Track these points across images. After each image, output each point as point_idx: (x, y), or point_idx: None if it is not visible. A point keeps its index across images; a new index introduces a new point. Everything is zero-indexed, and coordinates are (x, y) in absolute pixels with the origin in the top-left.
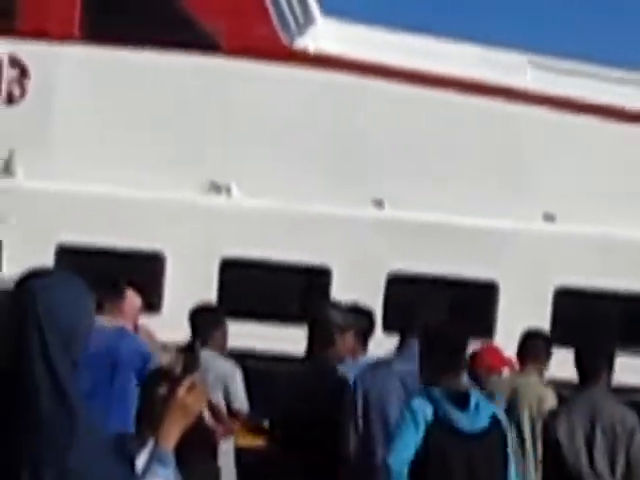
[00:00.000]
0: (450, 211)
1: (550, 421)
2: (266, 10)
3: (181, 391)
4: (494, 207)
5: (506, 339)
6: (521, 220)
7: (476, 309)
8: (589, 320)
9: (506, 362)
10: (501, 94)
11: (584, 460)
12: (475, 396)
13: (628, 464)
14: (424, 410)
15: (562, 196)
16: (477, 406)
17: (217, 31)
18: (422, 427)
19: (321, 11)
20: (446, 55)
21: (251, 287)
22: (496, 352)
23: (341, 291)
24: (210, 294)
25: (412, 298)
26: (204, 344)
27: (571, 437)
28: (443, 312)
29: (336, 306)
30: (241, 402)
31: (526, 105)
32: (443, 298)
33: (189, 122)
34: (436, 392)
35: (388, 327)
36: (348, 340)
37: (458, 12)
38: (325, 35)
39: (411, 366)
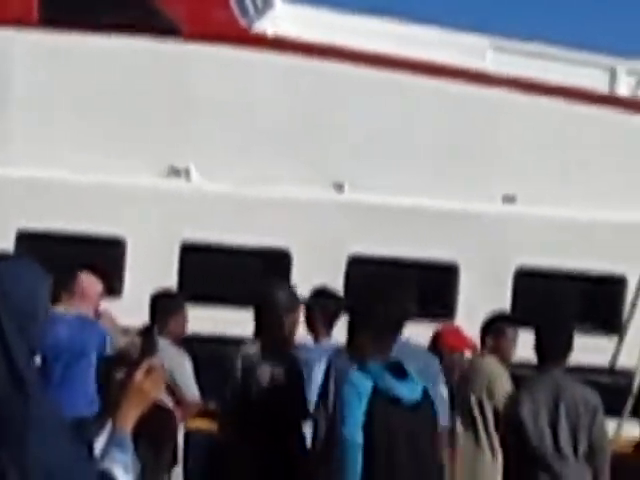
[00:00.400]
0: (410, 193)
1: (512, 402)
2: None
3: (138, 375)
4: (454, 189)
5: (467, 320)
6: (481, 201)
7: (436, 290)
8: (549, 301)
9: (467, 343)
10: (459, 76)
11: (548, 441)
12: (407, 365)
13: (590, 444)
14: (364, 383)
15: (522, 177)
16: (412, 375)
17: (176, 15)
18: (364, 400)
19: None
20: (406, 38)
21: (211, 271)
22: (457, 333)
23: (301, 274)
24: (170, 278)
25: (373, 281)
26: (161, 331)
27: (535, 417)
28: (404, 293)
29: (282, 287)
30: (191, 391)
31: (485, 87)
32: (404, 280)
33: (148, 106)
34: (373, 365)
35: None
36: (295, 321)
37: None
38: (284, 19)
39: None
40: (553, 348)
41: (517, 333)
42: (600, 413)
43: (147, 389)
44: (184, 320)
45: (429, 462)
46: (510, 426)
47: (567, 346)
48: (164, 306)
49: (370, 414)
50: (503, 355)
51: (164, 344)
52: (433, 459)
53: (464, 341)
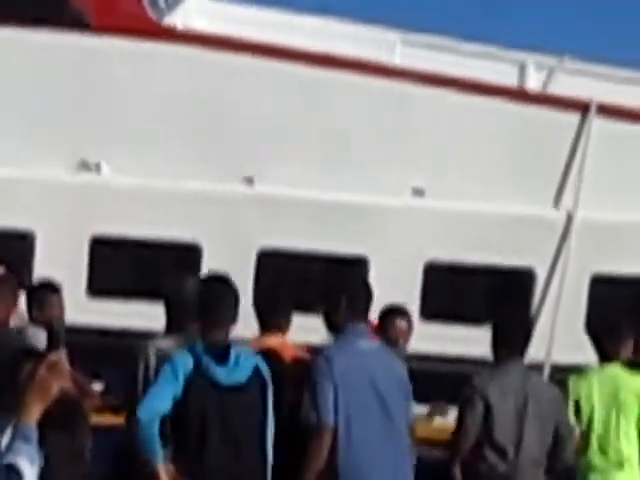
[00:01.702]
0: (319, 187)
1: (481, 389)
2: None
3: (41, 369)
4: (364, 182)
5: (375, 313)
6: (390, 195)
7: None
8: (458, 294)
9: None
10: (366, 69)
11: (515, 427)
12: (235, 351)
13: (556, 437)
14: (185, 364)
15: (431, 170)
16: (237, 360)
17: (85, 9)
18: (182, 380)
19: None
20: (315, 31)
21: (122, 265)
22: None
23: (211, 267)
24: (81, 272)
25: (283, 274)
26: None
27: (503, 404)
28: (314, 287)
29: (189, 280)
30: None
31: (392, 80)
32: (314, 273)
33: (58, 100)
34: (198, 346)
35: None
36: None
37: None
38: (194, 12)
39: (372, 344)
40: (512, 343)
41: (409, 325)
42: (564, 406)
43: (50, 383)
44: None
45: (246, 447)
46: (475, 411)
47: (526, 340)
48: (42, 296)
49: (186, 394)
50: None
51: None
52: (252, 444)
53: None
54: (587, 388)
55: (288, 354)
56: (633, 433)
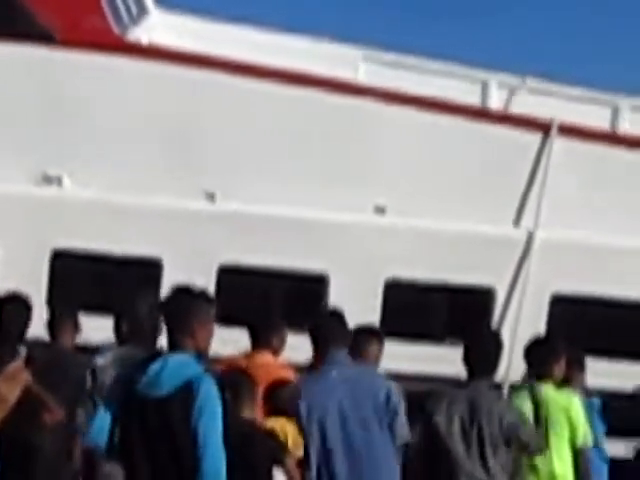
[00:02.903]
0: (281, 203)
1: (430, 410)
2: (99, 1)
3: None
4: (325, 199)
5: None
6: (351, 212)
7: (306, 301)
8: (419, 312)
9: None
10: (330, 87)
11: (460, 450)
12: (164, 360)
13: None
14: (131, 375)
15: (393, 188)
16: (161, 371)
17: (49, 22)
18: (115, 399)
19: (155, 3)
20: (279, 47)
21: (82, 278)
22: None
23: (172, 283)
24: (40, 285)
25: (244, 290)
26: (21, 335)
27: (448, 428)
28: (275, 304)
29: (144, 297)
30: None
31: (356, 98)
32: (274, 290)
33: (21, 113)
34: (140, 356)
35: (221, 319)
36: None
37: (295, 5)
38: (158, 27)
39: (350, 372)
40: (480, 362)
41: (379, 345)
42: (519, 428)
43: (4, 394)
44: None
45: (168, 462)
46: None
47: (494, 361)
48: (18, 309)
49: (121, 407)
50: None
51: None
52: (170, 461)
53: None
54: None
55: (267, 374)
56: (566, 452)
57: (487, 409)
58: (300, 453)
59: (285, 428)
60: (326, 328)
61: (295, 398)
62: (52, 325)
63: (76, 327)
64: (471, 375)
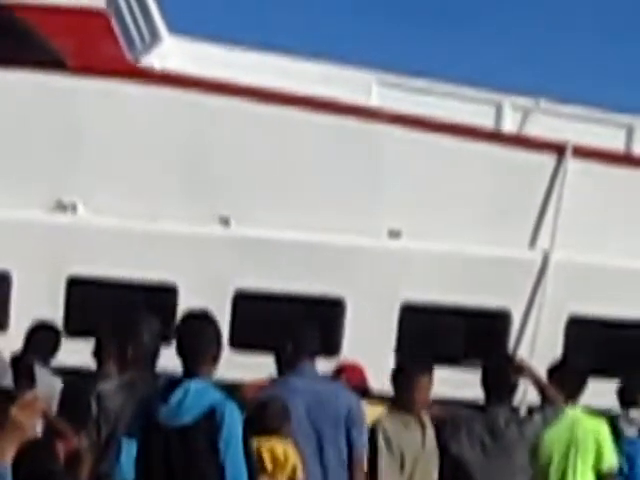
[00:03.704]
0: (297, 228)
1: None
2: (111, 28)
3: (14, 409)
4: (341, 223)
5: (352, 355)
6: (367, 236)
7: (323, 325)
8: (434, 335)
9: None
10: (344, 111)
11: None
12: (185, 388)
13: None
14: (150, 405)
15: (408, 212)
16: (184, 399)
17: (63, 49)
18: (136, 430)
19: (168, 29)
20: (293, 73)
21: (98, 305)
22: (354, 370)
23: (187, 308)
24: (57, 312)
25: (260, 315)
26: (44, 361)
27: (470, 452)
28: (288, 331)
29: (148, 322)
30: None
31: (369, 122)
32: (291, 314)
33: (35, 140)
34: (163, 381)
35: (234, 344)
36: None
37: (307, 30)
38: (172, 53)
39: (312, 383)
40: (498, 386)
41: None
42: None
43: (23, 422)
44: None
45: None
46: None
47: (512, 384)
48: (45, 336)
49: (143, 438)
50: None
51: (44, 375)
52: None
53: (360, 379)
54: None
55: None
56: (589, 476)
57: (510, 435)
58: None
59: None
60: (297, 338)
61: (283, 415)
62: (98, 354)
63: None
64: (488, 399)
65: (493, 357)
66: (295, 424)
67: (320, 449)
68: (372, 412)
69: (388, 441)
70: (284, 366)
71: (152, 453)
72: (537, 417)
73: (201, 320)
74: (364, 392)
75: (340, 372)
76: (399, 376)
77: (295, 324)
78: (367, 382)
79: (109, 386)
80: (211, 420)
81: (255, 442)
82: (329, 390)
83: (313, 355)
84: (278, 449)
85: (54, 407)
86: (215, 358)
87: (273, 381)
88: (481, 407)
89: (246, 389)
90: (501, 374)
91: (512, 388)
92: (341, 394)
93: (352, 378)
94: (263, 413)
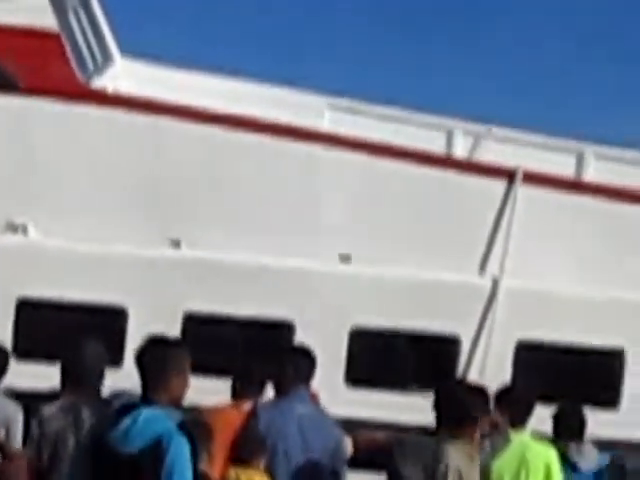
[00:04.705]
0: (247, 251)
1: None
2: (63, 49)
3: None
4: (291, 247)
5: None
6: (317, 260)
7: (271, 349)
8: (384, 360)
9: None
10: (292, 134)
11: None
12: (135, 415)
13: None
14: (102, 429)
15: (358, 237)
16: (132, 426)
17: (14, 70)
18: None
19: (120, 51)
20: (244, 96)
21: (47, 327)
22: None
23: (137, 331)
24: (5, 334)
25: (211, 338)
26: None
27: (414, 476)
28: (239, 353)
29: (92, 343)
30: (19, 443)
31: (319, 146)
32: (239, 338)
33: None
34: (116, 405)
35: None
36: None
37: (262, 53)
38: (124, 75)
39: (308, 409)
40: (448, 411)
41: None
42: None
43: None
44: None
45: None
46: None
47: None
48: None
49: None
50: None
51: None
52: None
53: None
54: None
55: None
56: None
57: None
58: None
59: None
60: (291, 363)
61: (260, 446)
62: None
63: None
64: (439, 424)
65: (445, 382)
66: (290, 448)
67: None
68: None
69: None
70: (280, 391)
71: (103, 478)
72: (486, 444)
73: (161, 346)
74: None
75: None
76: (461, 411)
77: (291, 350)
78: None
79: (50, 409)
80: (157, 450)
81: (233, 472)
82: (324, 420)
83: (308, 380)
84: (256, 479)
85: (13, 430)
86: (175, 386)
87: (271, 404)
88: (430, 432)
89: (206, 413)
90: (452, 399)
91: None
92: (331, 425)
93: None
94: (241, 442)
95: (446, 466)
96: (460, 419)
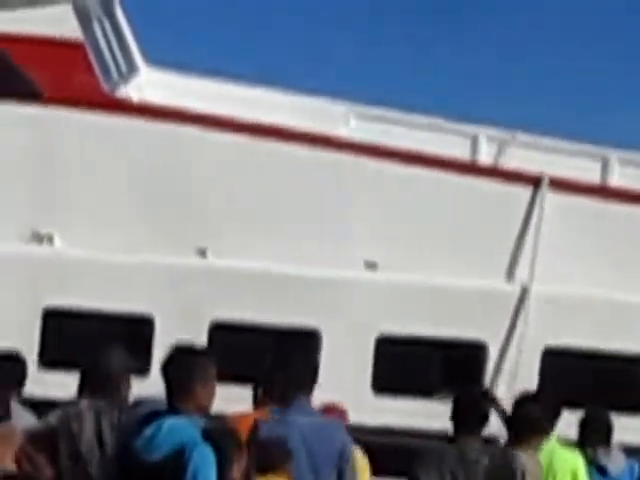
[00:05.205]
0: (273, 260)
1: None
2: (88, 59)
3: None
4: (317, 255)
5: (328, 387)
6: (343, 268)
7: (299, 357)
8: (411, 366)
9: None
10: (319, 142)
11: None
12: (159, 423)
13: None
14: (128, 437)
15: (384, 244)
16: (156, 434)
17: (39, 80)
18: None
19: (145, 60)
20: (271, 104)
21: (74, 337)
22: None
23: (164, 340)
24: (32, 344)
25: (237, 347)
26: (18, 395)
27: None
28: (267, 361)
29: (115, 351)
30: None
31: (343, 153)
32: (267, 347)
33: (11, 171)
34: (138, 415)
35: None
36: (126, 385)
37: (283, 61)
38: (149, 84)
39: (309, 418)
40: (468, 418)
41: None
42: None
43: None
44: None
45: None
46: None
47: (482, 417)
48: (17, 369)
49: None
50: None
51: (17, 408)
52: None
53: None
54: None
55: None
56: None
57: (484, 468)
58: None
59: None
60: (292, 373)
61: (285, 454)
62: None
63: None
64: (457, 431)
65: (465, 389)
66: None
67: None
68: None
69: None
70: (279, 400)
71: None
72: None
73: (187, 355)
74: None
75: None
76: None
77: (291, 358)
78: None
79: (74, 409)
80: (180, 459)
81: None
82: (327, 426)
83: (309, 390)
84: None
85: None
86: (200, 394)
87: (275, 416)
88: (450, 439)
89: (231, 420)
90: (472, 405)
91: (483, 419)
92: (335, 432)
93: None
94: (266, 451)
95: (522, 473)
96: (531, 430)
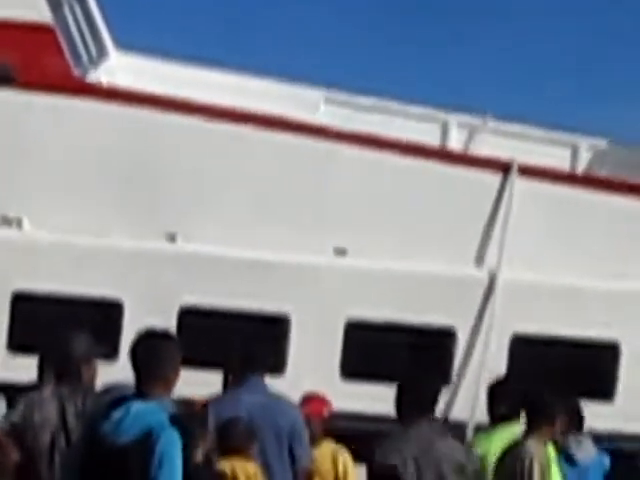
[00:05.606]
0: (243, 245)
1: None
2: (58, 43)
3: None
4: (286, 241)
5: (296, 372)
6: (312, 254)
7: (268, 342)
8: (378, 352)
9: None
10: (290, 128)
11: None
12: (127, 407)
13: None
14: (94, 420)
15: (353, 230)
16: (123, 418)
17: (9, 63)
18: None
19: (116, 45)
20: (241, 89)
21: (43, 321)
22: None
23: (132, 324)
24: (1, 328)
25: (207, 332)
26: None
27: (403, 470)
28: (237, 346)
29: (79, 335)
30: None
31: (315, 139)
32: (235, 332)
33: None
34: (106, 399)
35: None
36: (92, 370)
37: (253, 46)
38: (119, 68)
39: (260, 397)
40: (419, 402)
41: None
42: (467, 470)
43: None
44: None
45: None
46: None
47: (434, 399)
48: None
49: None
50: None
51: None
52: None
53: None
54: (488, 446)
55: None
56: None
57: (446, 453)
58: None
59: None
60: (247, 353)
61: (250, 435)
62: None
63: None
64: (400, 415)
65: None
66: None
67: (266, 465)
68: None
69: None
70: (233, 382)
71: (93, 468)
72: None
73: (156, 340)
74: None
75: (303, 403)
76: (544, 408)
77: (245, 340)
78: (328, 414)
79: (40, 395)
80: (147, 442)
81: (228, 463)
82: (277, 404)
83: (262, 370)
84: (251, 469)
85: None
86: (169, 378)
87: (222, 396)
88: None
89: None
90: (421, 387)
91: (434, 400)
92: (285, 409)
93: (315, 410)
94: (231, 432)
95: (530, 461)
96: (540, 418)
